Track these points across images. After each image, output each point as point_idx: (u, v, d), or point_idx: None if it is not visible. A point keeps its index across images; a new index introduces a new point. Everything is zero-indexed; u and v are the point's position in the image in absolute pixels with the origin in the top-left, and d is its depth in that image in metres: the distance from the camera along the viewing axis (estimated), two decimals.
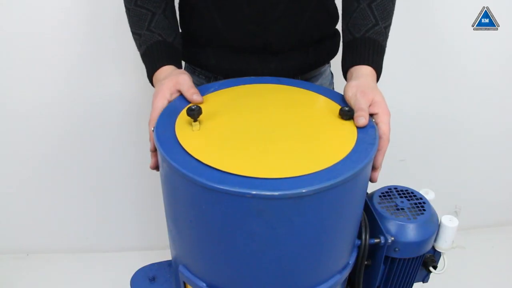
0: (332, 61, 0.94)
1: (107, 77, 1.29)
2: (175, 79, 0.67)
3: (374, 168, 0.63)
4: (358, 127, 0.60)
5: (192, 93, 0.65)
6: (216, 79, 0.87)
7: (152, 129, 0.60)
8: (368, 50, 0.70)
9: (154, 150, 0.64)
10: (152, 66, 0.73)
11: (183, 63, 0.93)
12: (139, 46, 0.76)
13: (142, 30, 0.74)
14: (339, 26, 0.82)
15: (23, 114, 1.32)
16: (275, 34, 0.78)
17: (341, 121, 0.61)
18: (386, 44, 0.73)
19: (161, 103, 0.65)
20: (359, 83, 0.66)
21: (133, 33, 0.76)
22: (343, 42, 0.76)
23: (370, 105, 0.63)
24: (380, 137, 0.60)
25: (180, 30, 0.85)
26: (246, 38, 0.79)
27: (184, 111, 0.62)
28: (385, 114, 0.62)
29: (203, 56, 0.84)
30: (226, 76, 0.79)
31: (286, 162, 0.52)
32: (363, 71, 0.69)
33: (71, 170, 1.45)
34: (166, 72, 0.72)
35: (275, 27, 0.77)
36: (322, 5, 0.81)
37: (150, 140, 0.64)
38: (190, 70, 0.91)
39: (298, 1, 0.76)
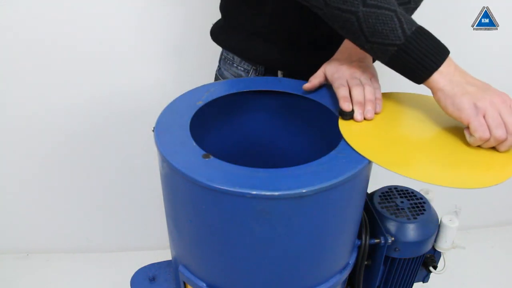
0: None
1: (107, 78, 1.29)
2: None
3: None
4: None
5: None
6: (256, 71, 0.86)
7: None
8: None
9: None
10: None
11: (219, 53, 0.92)
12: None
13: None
14: None
15: (24, 115, 1.32)
16: (323, 30, 0.76)
17: None
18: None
19: None
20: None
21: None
22: None
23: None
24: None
25: (225, 20, 0.85)
26: (298, 32, 0.78)
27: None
28: None
29: (250, 47, 0.83)
30: (267, 68, 0.79)
31: None
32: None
33: (71, 170, 1.45)
34: None
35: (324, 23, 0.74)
36: None
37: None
38: (228, 61, 0.89)
39: None
